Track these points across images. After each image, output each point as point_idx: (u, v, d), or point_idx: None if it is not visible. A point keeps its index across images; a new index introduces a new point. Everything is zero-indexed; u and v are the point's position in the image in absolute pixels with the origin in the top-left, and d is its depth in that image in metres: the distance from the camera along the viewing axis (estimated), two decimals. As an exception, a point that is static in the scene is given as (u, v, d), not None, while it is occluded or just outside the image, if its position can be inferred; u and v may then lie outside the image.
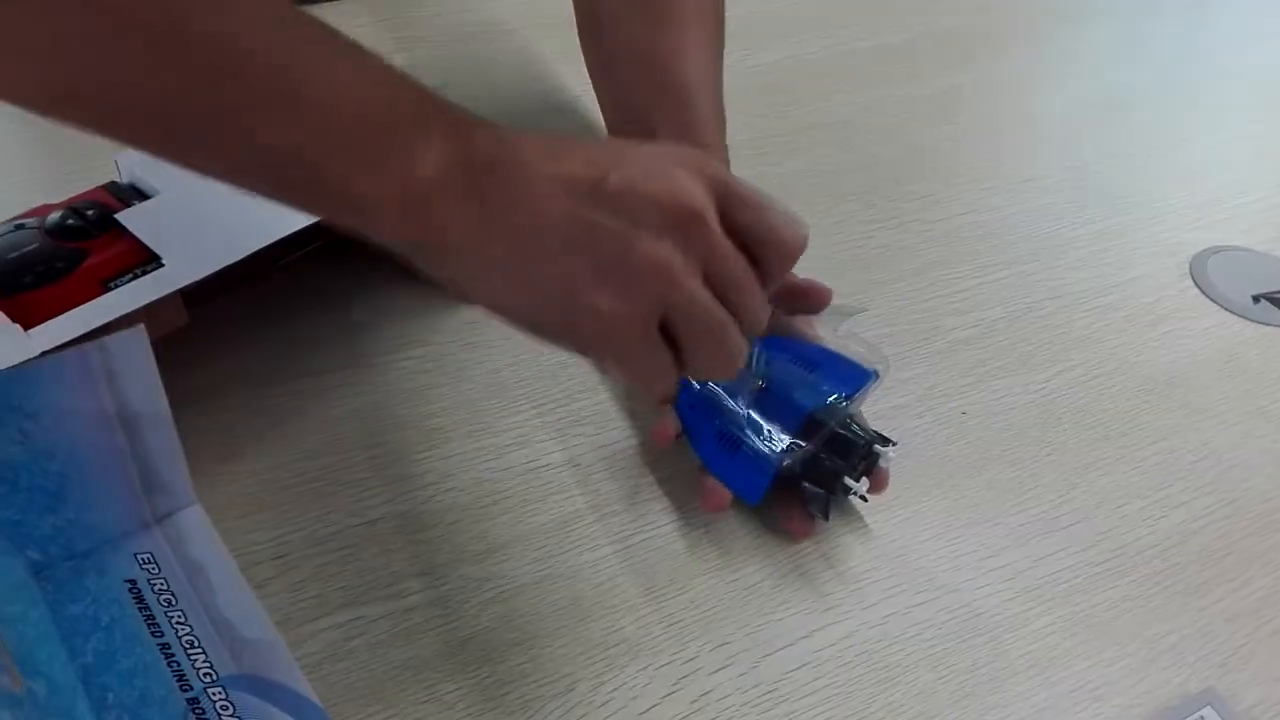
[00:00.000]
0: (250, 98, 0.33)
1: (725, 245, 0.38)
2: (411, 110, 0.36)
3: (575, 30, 0.63)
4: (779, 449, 0.48)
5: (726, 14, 0.60)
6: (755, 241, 0.40)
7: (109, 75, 0.31)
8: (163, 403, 0.44)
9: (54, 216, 0.50)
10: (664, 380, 0.40)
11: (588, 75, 0.63)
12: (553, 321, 0.38)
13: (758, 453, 0.49)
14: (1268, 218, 0.76)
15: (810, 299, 0.51)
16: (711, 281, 0.38)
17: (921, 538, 0.51)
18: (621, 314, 0.37)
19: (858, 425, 0.49)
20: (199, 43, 0.31)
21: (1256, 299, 0.68)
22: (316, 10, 0.35)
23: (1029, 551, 0.51)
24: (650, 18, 0.57)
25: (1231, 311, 0.67)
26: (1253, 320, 0.66)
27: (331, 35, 0.35)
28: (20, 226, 0.49)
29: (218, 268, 0.47)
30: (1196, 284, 0.69)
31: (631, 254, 0.36)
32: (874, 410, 0.55)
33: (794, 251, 0.41)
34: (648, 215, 0.36)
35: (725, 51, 0.60)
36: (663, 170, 0.37)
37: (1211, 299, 0.68)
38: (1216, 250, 0.71)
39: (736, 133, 0.57)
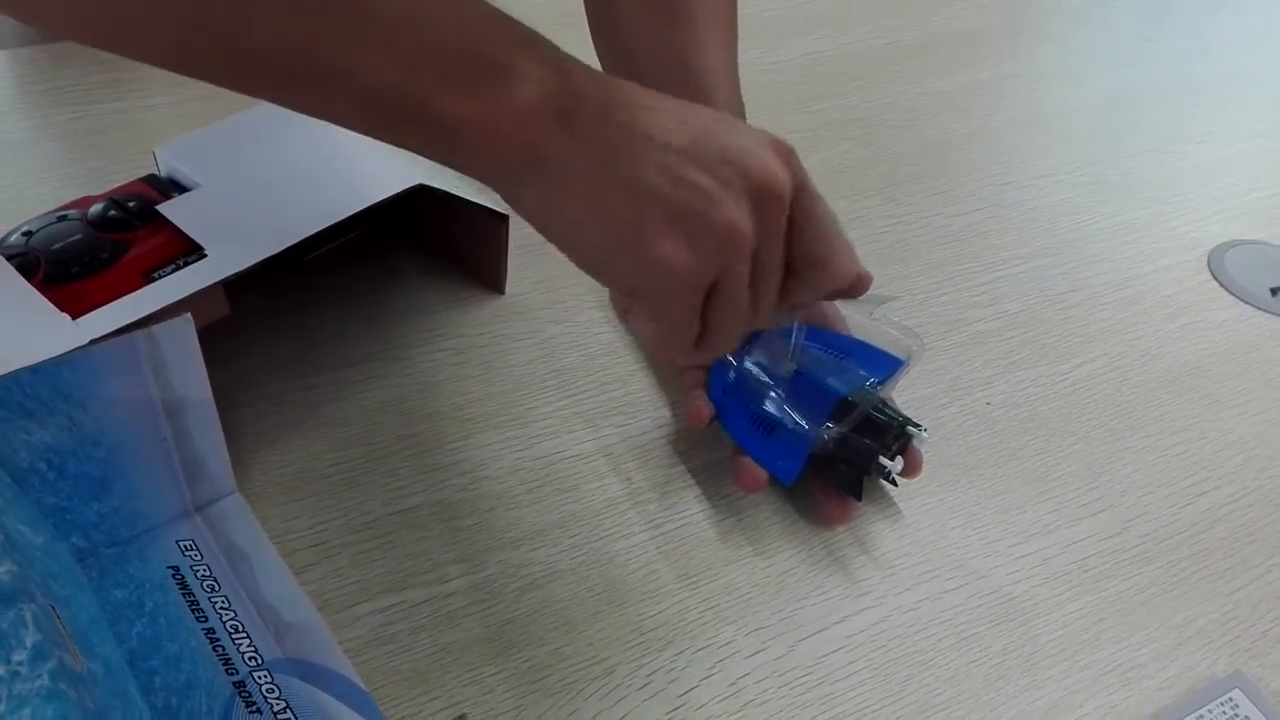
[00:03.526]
0: (350, 26, 0.33)
1: (781, 240, 0.39)
2: (510, 38, 0.36)
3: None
4: (813, 430, 0.49)
5: (746, 12, 0.61)
6: (805, 257, 0.41)
7: (209, 18, 0.32)
8: (207, 392, 0.45)
9: (96, 208, 0.50)
10: (681, 347, 0.41)
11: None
12: (617, 261, 0.39)
13: (793, 433, 0.49)
14: (1284, 212, 0.76)
15: (852, 284, 0.52)
16: (753, 265, 0.39)
17: (951, 525, 0.52)
18: (687, 266, 0.38)
19: (890, 408, 0.50)
20: None
21: (1274, 291, 0.68)
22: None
23: (1057, 539, 0.52)
24: (667, 16, 0.57)
25: (1250, 304, 0.68)
26: (1271, 312, 0.67)
27: None
28: (63, 218, 0.50)
29: (260, 259, 0.48)
30: (1215, 277, 0.70)
31: (714, 211, 0.37)
32: (900, 401, 0.55)
33: (837, 283, 0.42)
34: (737, 183, 0.37)
35: (744, 49, 0.60)
36: (758, 148, 0.38)
37: (1230, 291, 0.68)
38: (1234, 244, 0.72)
39: (757, 128, 0.57)
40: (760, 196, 0.38)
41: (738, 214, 0.37)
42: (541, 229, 0.39)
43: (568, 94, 0.36)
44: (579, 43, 0.61)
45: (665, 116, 0.38)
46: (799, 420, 0.50)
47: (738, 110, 0.57)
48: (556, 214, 0.39)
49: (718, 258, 0.38)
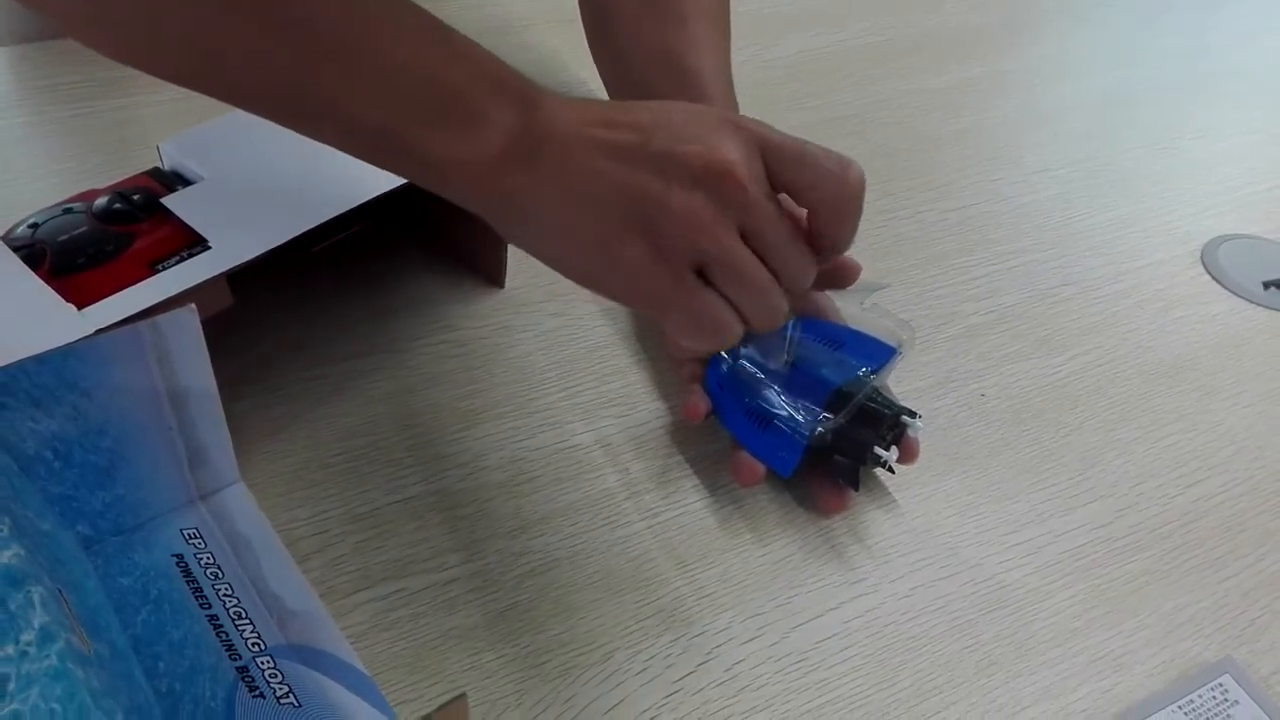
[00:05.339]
0: (343, 72, 0.37)
1: (760, 201, 0.40)
2: (485, 84, 0.39)
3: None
4: (809, 422, 0.50)
5: (745, 9, 0.62)
6: (801, 192, 0.41)
7: (228, 54, 0.36)
8: (211, 382, 0.45)
9: (101, 201, 0.51)
10: (722, 330, 0.41)
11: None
12: (599, 275, 0.41)
13: (789, 426, 0.50)
14: (1278, 207, 0.77)
15: (839, 273, 0.53)
16: (750, 238, 0.40)
17: (945, 514, 0.53)
18: (652, 264, 0.39)
19: (884, 398, 0.51)
20: (298, 21, 0.35)
21: (1267, 285, 0.69)
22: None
23: (1049, 528, 0.53)
24: (662, 14, 0.58)
25: (1242, 297, 0.68)
26: (1263, 306, 0.68)
27: (414, 12, 0.38)
28: (68, 210, 0.50)
29: (263, 251, 0.48)
30: (1208, 271, 0.70)
31: (663, 205, 0.38)
32: (896, 392, 0.56)
33: (843, 194, 0.42)
34: (682, 174, 0.38)
35: (740, 46, 0.61)
36: (702, 133, 0.39)
37: (1223, 285, 0.69)
38: (1228, 238, 0.73)
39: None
40: (710, 177, 0.39)
41: (686, 199, 0.38)
42: (531, 254, 0.42)
43: (531, 136, 0.39)
44: (573, 42, 0.62)
45: (618, 130, 0.39)
46: (794, 413, 0.50)
47: (729, 109, 0.57)
48: (535, 242, 0.41)
49: (681, 244, 0.39)
